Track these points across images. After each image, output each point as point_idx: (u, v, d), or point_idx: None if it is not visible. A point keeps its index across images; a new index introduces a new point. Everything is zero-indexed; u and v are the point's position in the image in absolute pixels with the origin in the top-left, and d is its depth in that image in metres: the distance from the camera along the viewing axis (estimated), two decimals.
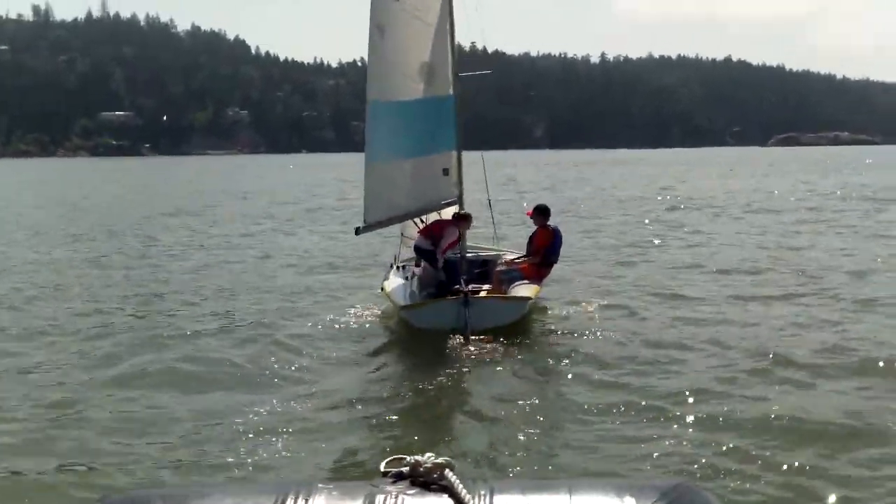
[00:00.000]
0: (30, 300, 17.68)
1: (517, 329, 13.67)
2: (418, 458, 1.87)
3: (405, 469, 1.86)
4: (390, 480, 1.87)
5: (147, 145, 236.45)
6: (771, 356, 11.70)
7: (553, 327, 14.31)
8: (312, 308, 16.55)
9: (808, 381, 10.80)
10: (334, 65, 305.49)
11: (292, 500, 1.79)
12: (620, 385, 10.72)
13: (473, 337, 13.02)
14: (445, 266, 15.14)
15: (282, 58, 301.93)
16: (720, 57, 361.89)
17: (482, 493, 1.73)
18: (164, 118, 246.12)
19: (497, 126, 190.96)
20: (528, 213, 16.02)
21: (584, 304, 15.74)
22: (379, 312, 15.45)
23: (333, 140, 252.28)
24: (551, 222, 15.57)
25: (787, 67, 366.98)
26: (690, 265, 20.85)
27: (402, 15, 14.38)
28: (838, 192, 47.56)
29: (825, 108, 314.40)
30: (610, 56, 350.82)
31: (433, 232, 14.92)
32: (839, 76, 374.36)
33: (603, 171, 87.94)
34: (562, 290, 17.08)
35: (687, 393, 10.20)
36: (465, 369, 11.89)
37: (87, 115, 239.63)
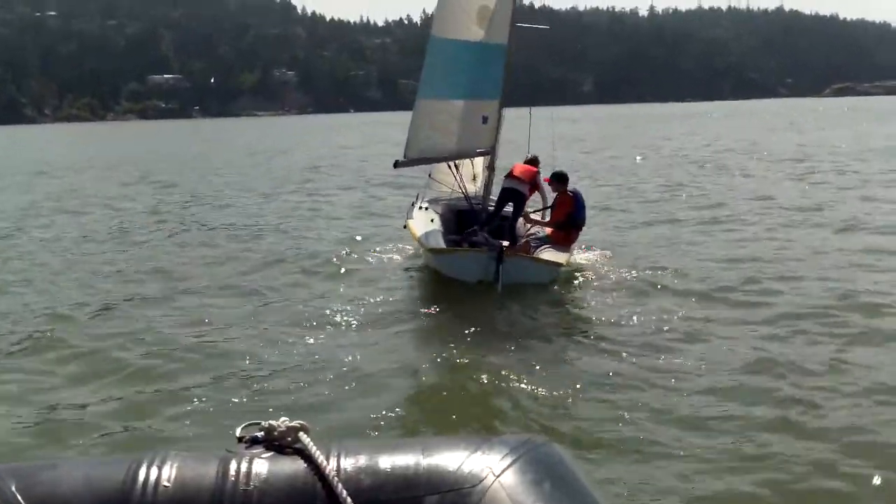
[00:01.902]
0: None
1: (544, 297, 13.19)
2: (272, 422, 1.85)
3: (259, 434, 1.85)
4: (245, 445, 1.86)
5: (196, 107, 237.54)
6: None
7: (574, 299, 13.48)
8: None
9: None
10: (381, 24, 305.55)
11: (144, 471, 1.76)
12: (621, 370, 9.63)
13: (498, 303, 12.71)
14: (462, 216, 15.71)
15: (328, 17, 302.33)
16: (772, 7, 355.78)
17: (335, 453, 1.77)
18: (213, 80, 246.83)
19: (545, 82, 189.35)
20: (545, 180, 15.58)
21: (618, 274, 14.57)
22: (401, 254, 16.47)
23: (380, 99, 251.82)
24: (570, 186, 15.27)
25: (841, 16, 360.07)
26: None
27: None
28: None
29: (881, 57, 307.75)
30: (659, 9, 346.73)
31: (526, 178, 15.23)
32: (895, 24, 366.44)
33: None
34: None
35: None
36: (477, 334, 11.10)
37: (137, 79, 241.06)
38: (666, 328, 11.12)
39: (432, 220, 15.11)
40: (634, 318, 11.67)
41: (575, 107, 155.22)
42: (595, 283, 14.10)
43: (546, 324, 11.88)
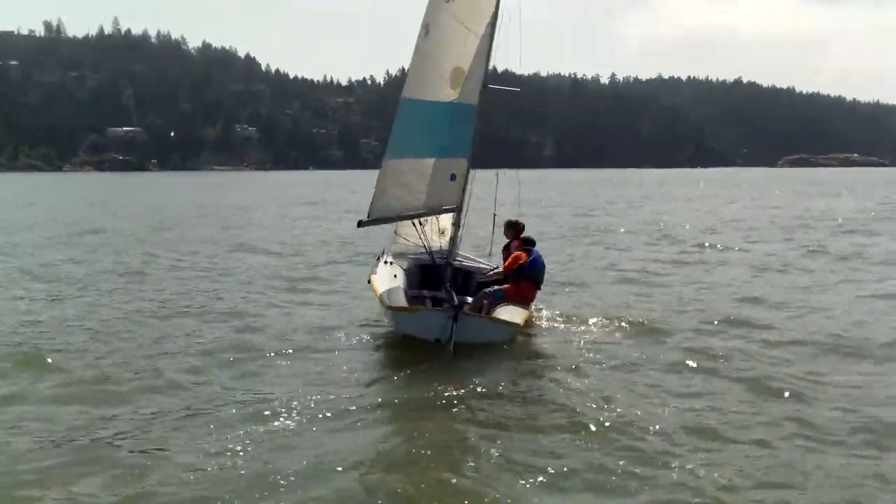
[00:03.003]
0: None
1: (498, 357, 13.51)
2: None
3: None
4: None
5: (154, 161, 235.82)
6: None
7: (534, 359, 13.87)
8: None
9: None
10: (344, 82, 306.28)
11: None
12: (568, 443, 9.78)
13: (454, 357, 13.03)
14: (426, 270, 16.29)
15: (291, 75, 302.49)
16: (730, 78, 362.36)
17: None
18: (172, 134, 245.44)
19: (507, 144, 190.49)
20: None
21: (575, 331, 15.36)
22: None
23: (341, 158, 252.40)
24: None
25: (797, 89, 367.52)
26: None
27: (448, 18, 14.79)
28: None
29: (834, 129, 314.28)
30: (619, 77, 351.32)
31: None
32: (849, 98, 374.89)
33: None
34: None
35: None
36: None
37: (96, 131, 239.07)
38: (626, 390, 11.59)
39: (395, 276, 15.63)
40: (591, 379, 12.16)
41: (536, 170, 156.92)
42: (551, 343, 14.53)
43: (498, 388, 11.83)
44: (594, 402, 11.01)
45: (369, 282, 15.93)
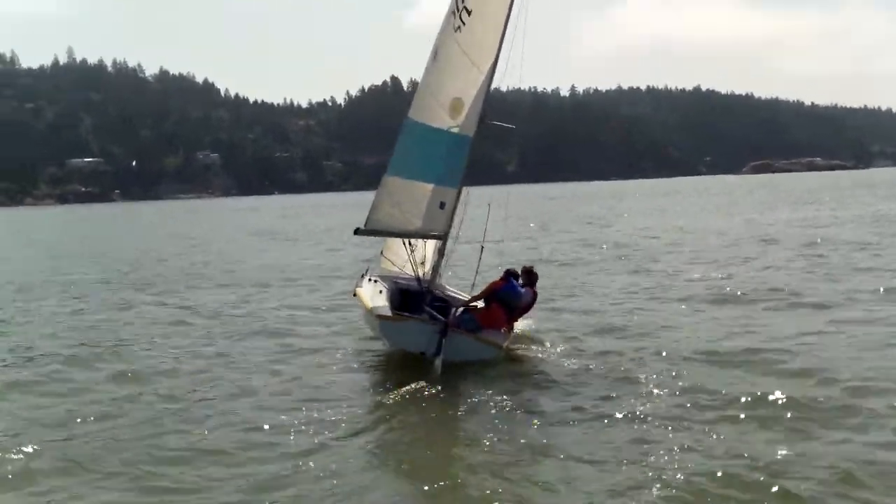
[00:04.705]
0: None
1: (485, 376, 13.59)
2: None
3: None
4: None
5: (117, 191, 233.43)
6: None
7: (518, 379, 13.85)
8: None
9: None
10: (304, 105, 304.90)
11: None
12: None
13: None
14: (406, 295, 16.42)
15: (251, 100, 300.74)
16: (689, 87, 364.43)
17: None
18: (134, 164, 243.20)
19: (475, 162, 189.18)
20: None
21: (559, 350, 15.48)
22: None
23: (305, 181, 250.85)
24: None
25: (756, 95, 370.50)
26: None
27: (455, 47, 15.21)
28: None
29: (795, 133, 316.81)
30: (580, 89, 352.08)
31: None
32: (807, 102, 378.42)
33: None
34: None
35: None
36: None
37: (56, 163, 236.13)
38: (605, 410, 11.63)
39: (381, 292, 16.09)
40: (581, 398, 12.29)
41: (502, 186, 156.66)
42: (540, 365, 14.58)
43: (490, 408, 12.02)
44: (587, 420, 11.25)
45: (355, 294, 16.52)
